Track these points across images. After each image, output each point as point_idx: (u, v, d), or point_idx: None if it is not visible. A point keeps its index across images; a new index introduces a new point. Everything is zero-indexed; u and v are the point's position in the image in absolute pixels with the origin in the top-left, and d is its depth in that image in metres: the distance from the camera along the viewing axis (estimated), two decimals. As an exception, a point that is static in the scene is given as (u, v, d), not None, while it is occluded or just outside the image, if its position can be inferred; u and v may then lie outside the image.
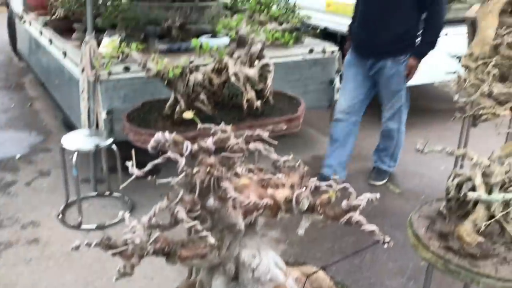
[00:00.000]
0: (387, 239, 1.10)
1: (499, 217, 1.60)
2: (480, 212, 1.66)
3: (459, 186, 1.76)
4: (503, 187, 1.60)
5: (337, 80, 4.17)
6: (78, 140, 3.10)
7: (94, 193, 3.67)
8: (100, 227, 3.14)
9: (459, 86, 2.07)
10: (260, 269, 1.16)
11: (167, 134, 0.93)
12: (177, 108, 2.02)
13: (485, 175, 1.57)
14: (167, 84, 2.00)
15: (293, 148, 4.37)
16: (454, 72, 2.45)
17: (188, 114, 1.13)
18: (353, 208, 1.15)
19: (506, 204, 1.62)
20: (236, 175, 1.08)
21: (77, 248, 1.10)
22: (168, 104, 2.07)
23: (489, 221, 1.61)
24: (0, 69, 6.72)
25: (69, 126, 4.04)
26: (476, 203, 1.72)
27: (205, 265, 1.14)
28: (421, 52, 3.46)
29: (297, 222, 1.35)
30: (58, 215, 3.32)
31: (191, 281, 1.38)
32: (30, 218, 3.37)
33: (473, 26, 2.75)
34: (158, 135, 0.93)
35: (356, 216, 1.15)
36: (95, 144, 3.03)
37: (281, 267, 1.23)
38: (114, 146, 3.11)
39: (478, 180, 1.50)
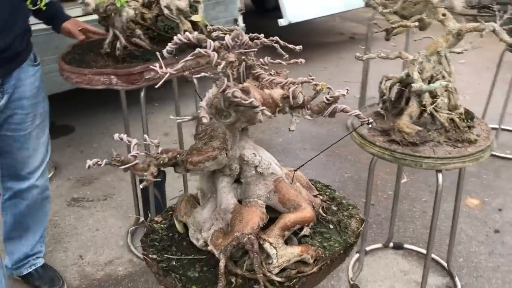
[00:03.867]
0: (371, 120, 1.25)
1: (430, 108, 1.86)
2: (414, 106, 1.91)
3: (390, 88, 2.00)
4: (431, 81, 1.85)
5: (240, 19, 4.25)
6: None
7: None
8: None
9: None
10: (263, 165, 1.26)
11: (188, 33, 0.96)
12: (118, 44, 1.96)
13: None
14: (102, 20, 1.93)
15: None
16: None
17: (197, 17, 1.14)
18: (335, 100, 1.28)
19: (434, 96, 1.88)
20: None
21: (89, 167, 1.11)
22: (106, 41, 2.00)
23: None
24: None
25: None
26: (408, 99, 1.97)
27: (215, 167, 1.21)
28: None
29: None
30: None
31: (187, 195, 1.44)
32: None
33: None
34: (178, 36, 0.96)
35: (340, 105, 1.28)
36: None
37: (276, 163, 1.35)
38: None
39: (416, 75, 1.72)
